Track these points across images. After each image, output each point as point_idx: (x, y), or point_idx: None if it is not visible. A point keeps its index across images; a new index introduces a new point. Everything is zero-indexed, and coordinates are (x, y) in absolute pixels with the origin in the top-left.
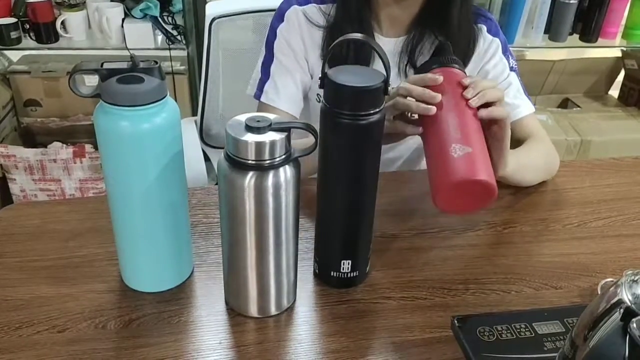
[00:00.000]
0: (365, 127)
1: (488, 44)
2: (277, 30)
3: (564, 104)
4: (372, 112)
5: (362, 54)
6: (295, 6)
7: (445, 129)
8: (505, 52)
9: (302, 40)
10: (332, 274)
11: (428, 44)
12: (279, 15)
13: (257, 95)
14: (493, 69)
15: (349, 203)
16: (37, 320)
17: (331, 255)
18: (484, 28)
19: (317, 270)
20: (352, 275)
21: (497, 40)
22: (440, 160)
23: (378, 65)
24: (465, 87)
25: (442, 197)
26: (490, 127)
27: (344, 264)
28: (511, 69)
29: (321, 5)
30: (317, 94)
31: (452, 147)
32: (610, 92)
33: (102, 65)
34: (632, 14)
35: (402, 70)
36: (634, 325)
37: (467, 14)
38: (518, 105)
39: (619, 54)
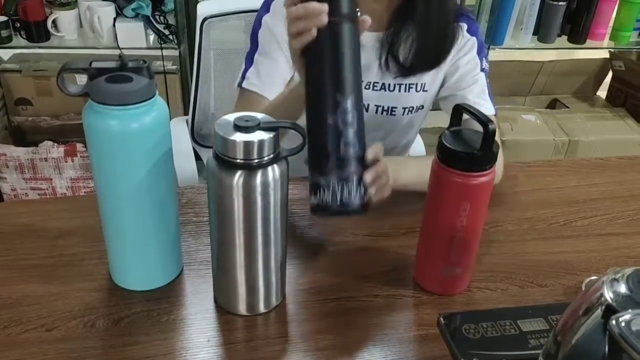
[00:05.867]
0: None
1: (465, 41)
2: (262, 20)
3: (553, 104)
4: None
5: None
6: None
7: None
8: (480, 52)
9: (286, 30)
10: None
11: (410, 38)
12: (265, 5)
13: (240, 83)
14: (465, 65)
15: None
16: (25, 319)
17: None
18: (465, 26)
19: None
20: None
21: (474, 39)
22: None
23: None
24: None
25: None
26: None
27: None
28: (482, 69)
29: None
30: None
31: None
32: (598, 93)
33: (90, 64)
34: (619, 16)
35: (384, 64)
36: (613, 322)
37: (446, 11)
38: (480, 104)
39: (607, 55)
